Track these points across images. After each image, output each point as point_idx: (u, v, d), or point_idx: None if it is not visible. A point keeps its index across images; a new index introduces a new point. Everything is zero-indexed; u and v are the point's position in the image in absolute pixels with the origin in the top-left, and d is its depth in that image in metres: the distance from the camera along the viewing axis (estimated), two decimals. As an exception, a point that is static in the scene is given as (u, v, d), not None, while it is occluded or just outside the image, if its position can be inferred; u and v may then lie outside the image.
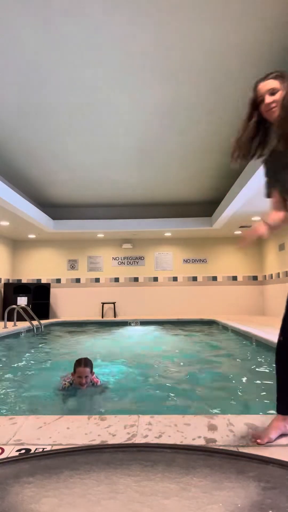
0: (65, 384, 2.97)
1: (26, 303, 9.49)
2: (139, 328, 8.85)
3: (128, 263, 10.82)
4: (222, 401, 2.83)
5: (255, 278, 10.65)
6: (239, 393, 3.04)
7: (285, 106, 1.58)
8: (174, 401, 2.83)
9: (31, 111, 5.01)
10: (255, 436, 1.62)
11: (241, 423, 1.81)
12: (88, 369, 2.89)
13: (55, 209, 9.88)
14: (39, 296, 10.13)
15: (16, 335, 7.05)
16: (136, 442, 1.59)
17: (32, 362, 4.56)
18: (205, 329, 8.22)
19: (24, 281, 10.67)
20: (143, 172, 7.41)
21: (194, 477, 1.22)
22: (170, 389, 3.16)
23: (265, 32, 3.60)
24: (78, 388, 2.90)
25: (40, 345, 6.11)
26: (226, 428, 1.74)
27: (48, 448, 1.54)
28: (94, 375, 3.04)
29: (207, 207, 9.53)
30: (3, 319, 8.54)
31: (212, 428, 1.74)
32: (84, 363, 2.92)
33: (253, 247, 10.73)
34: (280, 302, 9.28)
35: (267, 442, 1.57)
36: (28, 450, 1.52)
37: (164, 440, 1.61)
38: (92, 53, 3.88)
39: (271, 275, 9.79)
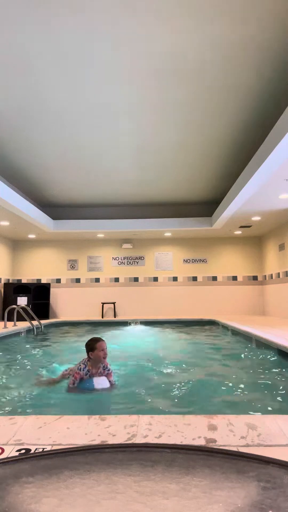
0: (80, 366, 3.09)
1: (26, 303, 9.49)
2: (139, 328, 8.85)
3: (128, 263, 10.82)
4: (222, 401, 2.83)
5: (255, 278, 10.65)
6: (239, 393, 3.04)
7: None
8: (174, 401, 2.83)
9: (31, 111, 5.01)
10: None
11: (241, 423, 1.81)
12: (105, 343, 3.15)
13: (55, 209, 9.88)
14: (39, 296, 10.13)
15: (16, 335, 7.05)
16: (136, 442, 1.58)
17: (32, 362, 4.56)
18: (205, 329, 8.22)
19: (24, 281, 10.66)
20: (143, 172, 7.41)
21: (194, 477, 1.22)
22: (169, 388, 3.16)
23: (270, 30, 3.59)
24: (92, 377, 3.04)
25: (40, 345, 6.11)
26: (226, 428, 1.74)
27: (48, 448, 1.54)
28: (113, 381, 3.15)
29: (207, 207, 9.53)
30: (3, 319, 8.54)
31: (212, 428, 1.74)
32: (100, 338, 3.19)
33: (253, 247, 10.74)
34: (280, 302, 9.31)
35: None
36: (28, 450, 1.52)
37: (164, 440, 1.61)
38: (92, 52, 3.88)
39: (271, 275, 9.79)
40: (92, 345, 3.12)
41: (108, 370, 3.16)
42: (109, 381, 3.10)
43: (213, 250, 10.80)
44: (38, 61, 3.99)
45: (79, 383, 3.01)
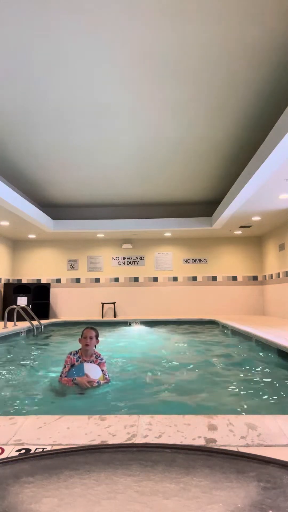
0: (71, 352, 3.19)
1: (26, 303, 9.49)
2: (139, 328, 8.85)
3: (128, 263, 10.82)
4: (222, 400, 2.83)
5: (255, 278, 10.65)
6: (239, 393, 3.04)
7: None
8: (174, 401, 2.82)
9: (31, 111, 5.01)
10: None
11: (241, 423, 1.81)
12: (94, 332, 3.22)
13: (55, 209, 9.88)
14: (39, 296, 10.13)
15: (16, 335, 7.05)
16: (136, 442, 1.59)
17: (32, 362, 4.56)
18: (205, 329, 8.22)
19: (24, 281, 10.66)
20: (143, 172, 7.41)
21: (194, 477, 1.22)
22: (169, 389, 3.16)
23: (271, 30, 3.59)
24: (83, 362, 3.10)
25: (40, 345, 6.11)
26: (226, 428, 1.74)
27: (48, 448, 1.54)
28: (106, 372, 3.17)
29: (207, 207, 9.53)
30: (3, 319, 8.54)
31: (212, 428, 1.74)
32: (90, 326, 3.31)
33: (253, 247, 10.74)
34: (280, 302, 9.30)
35: None
36: (28, 450, 1.52)
37: (164, 440, 1.61)
38: (92, 52, 3.88)
39: (271, 275, 9.79)
40: (82, 332, 3.25)
41: (101, 359, 3.20)
42: (102, 371, 3.12)
43: (213, 250, 10.79)
44: (37, 61, 3.99)
45: (71, 371, 3.05)
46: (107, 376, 3.14)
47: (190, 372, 3.83)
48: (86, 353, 3.16)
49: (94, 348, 3.23)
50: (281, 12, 3.32)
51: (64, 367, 3.12)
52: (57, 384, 3.11)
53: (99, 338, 3.35)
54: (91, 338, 3.16)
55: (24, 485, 1.18)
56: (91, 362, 3.14)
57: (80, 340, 3.23)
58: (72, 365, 3.10)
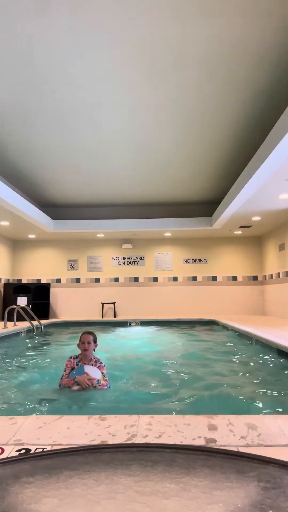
0: (71, 356, 3.21)
1: (26, 303, 9.49)
2: (139, 328, 8.85)
3: (128, 263, 10.82)
4: (222, 401, 2.83)
5: (255, 278, 10.65)
6: (239, 393, 3.04)
7: None
8: (174, 401, 2.82)
9: (31, 110, 5.01)
10: None
11: (241, 423, 1.81)
12: (91, 337, 3.23)
13: (55, 209, 9.88)
14: (39, 296, 10.12)
15: (16, 335, 7.05)
16: (136, 442, 1.58)
17: (32, 362, 4.56)
18: (205, 329, 8.22)
19: (24, 281, 10.66)
20: (143, 172, 7.41)
21: (194, 477, 1.22)
22: (169, 389, 3.16)
23: (271, 28, 3.59)
24: (84, 365, 3.11)
25: (40, 345, 6.11)
26: (226, 428, 1.74)
27: (48, 448, 1.54)
28: (105, 374, 3.17)
29: (207, 207, 9.52)
30: (3, 319, 8.54)
31: (212, 428, 1.74)
32: (87, 331, 3.31)
33: (253, 247, 10.74)
34: (280, 302, 9.29)
35: None
36: (28, 450, 1.52)
37: (164, 440, 1.61)
38: (92, 51, 3.88)
39: (271, 275, 9.79)
40: (79, 337, 3.27)
41: (100, 363, 3.23)
42: (102, 373, 3.14)
43: (213, 250, 10.79)
44: (37, 62, 3.99)
45: (71, 373, 3.07)
46: (107, 379, 3.15)
47: (189, 372, 3.83)
48: (85, 358, 3.19)
49: (93, 353, 3.25)
50: (281, 11, 3.32)
51: (65, 370, 3.14)
52: (57, 384, 3.11)
53: (97, 342, 3.36)
54: (89, 343, 3.19)
55: (24, 485, 1.18)
56: (90, 365, 3.16)
57: (78, 346, 3.25)
58: (72, 369, 3.13)
